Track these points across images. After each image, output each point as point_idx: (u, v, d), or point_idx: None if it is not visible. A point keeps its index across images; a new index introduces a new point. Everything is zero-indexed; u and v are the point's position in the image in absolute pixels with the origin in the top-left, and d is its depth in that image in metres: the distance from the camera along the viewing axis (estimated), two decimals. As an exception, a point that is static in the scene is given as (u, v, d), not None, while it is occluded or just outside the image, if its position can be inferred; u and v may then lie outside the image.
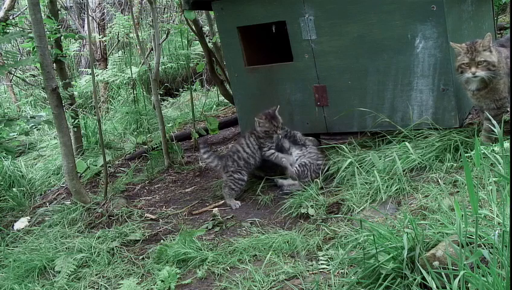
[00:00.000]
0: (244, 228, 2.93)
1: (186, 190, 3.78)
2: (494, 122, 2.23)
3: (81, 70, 7.42)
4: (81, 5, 7.31)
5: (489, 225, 1.90)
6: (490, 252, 1.60)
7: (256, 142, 3.37)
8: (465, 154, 2.49)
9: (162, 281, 2.46)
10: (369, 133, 3.33)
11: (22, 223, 3.66)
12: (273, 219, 2.99)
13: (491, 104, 2.77)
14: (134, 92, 5.66)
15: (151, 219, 3.35)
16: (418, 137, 3.06)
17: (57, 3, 4.61)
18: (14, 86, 7.28)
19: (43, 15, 3.45)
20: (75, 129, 4.63)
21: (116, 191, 3.87)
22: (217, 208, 3.19)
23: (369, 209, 2.62)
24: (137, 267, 2.73)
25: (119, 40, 6.83)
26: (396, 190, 2.67)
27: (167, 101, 6.70)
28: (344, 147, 3.20)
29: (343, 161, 3.10)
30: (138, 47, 5.39)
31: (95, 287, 2.64)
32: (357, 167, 2.94)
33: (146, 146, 4.52)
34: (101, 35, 6.44)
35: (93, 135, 5.03)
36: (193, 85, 6.60)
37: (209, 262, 2.54)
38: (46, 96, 4.15)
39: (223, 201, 3.39)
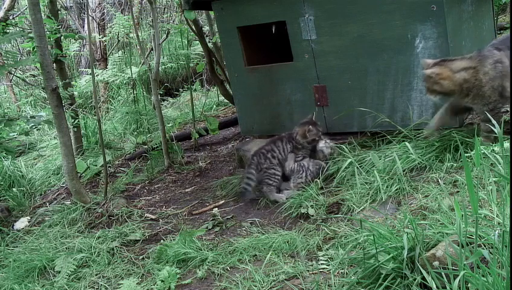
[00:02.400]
0: (244, 228, 2.93)
1: (186, 190, 3.78)
2: (494, 122, 2.24)
3: (81, 70, 7.41)
4: (81, 5, 7.31)
5: (489, 225, 1.90)
6: (490, 252, 1.60)
7: (291, 150, 3.33)
8: (465, 154, 2.49)
9: (162, 281, 2.46)
10: (369, 133, 3.33)
11: (22, 223, 3.67)
12: (273, 219, 2.99)
13: (483, 107, 2.79)
14: (134, 92, 5.66)
15: (151, 219, 3.35)
16: (418, 137, 3.06)
17: (57, 3, 4.61)
18: (14, 86, 7.28)
19: (43, 15, 3.45)
20: (75, 129, 4.63)
21: (116, 191, 3.87)
22: (217, 208, 3.19)
23: (369, 209, 2.62)
24: (137, 267, 2.73)
25: (119, 40, 6.83)
26: (396, 190, 2.67)
27: (167, 101, 6.70)
28: (344, 147, 3.20)
29: (343, 160, 3.10)
30: (138, 47, 5.39)
31: (95, 287, 2.64)
32: (357, 167, 2.94)
33: (146, 146, 4.52)
34: (101, 35, 6.44)
35: (93, 135, 5.03)
36: (193, 85, 6.59)
37: (209, 262, 2.54)
38: (46, 96, 4.15)
39: (223, 201, 3.39)
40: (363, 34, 3.17)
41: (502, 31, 5.09)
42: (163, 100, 6.57)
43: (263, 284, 2.24)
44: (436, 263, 1.74)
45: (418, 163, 2.81)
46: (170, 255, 2.67)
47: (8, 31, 4.21)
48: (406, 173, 2.78)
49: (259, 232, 2.77)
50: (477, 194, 2.14)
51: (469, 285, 1.60)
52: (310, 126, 3.23)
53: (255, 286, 2.24)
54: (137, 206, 3.59)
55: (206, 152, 4.53)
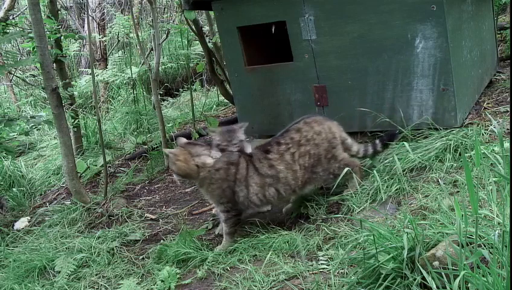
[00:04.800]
0: (244, 228, 2.93)
1: (186, 190, 3.77)
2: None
3: (81, 70, 7.41)
4: (81, 5, 7.31)
5: (489, 225, 1.90)
6: (490, 252, 1.60)
7: None
8: (465, 154, 2.49)
9: (162, 281, 2.46)
10: (369, 133, 3.33)
11: (22, 223, 3.67)
12: (273, 219, 2.99)
13: (218, 206, 2.78)
14: (134, 92, 5.66)
15: (151, 219, 3.35)
16: (418, 137, 3.06)
17: (57, 3, 4.61)
18: (14, 86, 7.28)
19: (43, 15, 3.45)
20: (75, 129, 4.63)
21: (116, 191, 3.87)
22: (217, 208, 3.19)
23: (369, 209, 2.62)
24: (137, 267, 2.73)
25: (119, 40, 6.83)
26: (396, 190, 2.67)
27: (167, 101, 6.70)
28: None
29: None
30: (138, 47, 5.39)
31: (95, 287, 2.64)
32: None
33: (146, 146, 4.52)
34: (101, 35, 6.44)
35: (93, 135, 5.02)
36: (193, 85, 6.59)
37: (209, 262, 2.54)
38: (46, 96, 4.15)
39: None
40: (363, 34, 3.17)
41: (502, 31, 5.10)
42: (163, 100, 6.57)
43: (263, 284, 2.24)
44: (436, 263, 1.74)
45: (418, 163, 2.81)
46: (170, 255, 2.67)
47: (8, 31, 4.21)
48: (406, 173, 2.78)
49: (259, 232, 2.77)
50: (477, 194, 2.14)
51: (469, 285, 1.60)
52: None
53: (255, 286, 2.23)
54: (137, 206, 3.58)
55: (206, 152, 4.52)
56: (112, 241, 3.04)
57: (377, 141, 2.96)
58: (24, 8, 5.36)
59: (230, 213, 2.75)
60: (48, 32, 3.94)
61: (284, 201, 2.93)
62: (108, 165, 4.21)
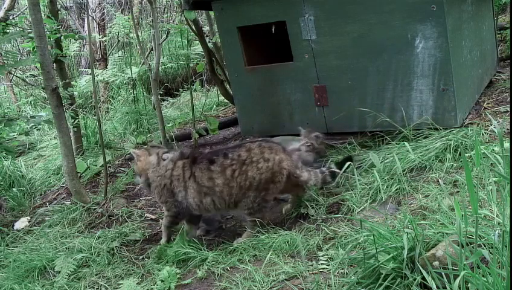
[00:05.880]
0: (244, 228, 2.93)
1: (186, 190, 3.77)
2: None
3: (81, 70, 7.41)
4: (81, 5, 7.31)
5: (489, 225, 1.90)
6: (490, 252, 1.60)
7: None
8: (465, 154, 2.49)
9: (162, 281, 2.46)
10: (369, 133, 3.33)
11: (22, 223, 3.66)
12: (273, 219, 2.99)
13: (163, 206, 2.88)
14: (134, 92, 5.65)
15: (151, 219, 3.35)
16: (418, 137, 3.06)
17: (57, 3, 4.60)
18: (14, 86, 7.28)
19: (43, 15, 3.45)
20: (75, 129, 4.62)
21: (116, 191, 3.87)
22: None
23: (369, 209, 2.62)
24: (137, 267, 2.73)
25: (119, 40, 6.82)
26: (396, 190, 2.67)
27: (167, 101, 6.69)
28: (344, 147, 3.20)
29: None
30: (138, 47, 5.38)
31: (95, 287, 2.64)
32: (356, 167, 2.93)
33: (146, 146, 4.51)
34: (101, 35, 6.44)
35: (93, 135, 5.02)
36: (193, 85, 6.59)
37: (209, 262, 2.54)
38: (46, 96, 4.15)
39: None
40: (363, 34, 3.18)
41: (502, 31, 5.10)
42: (163, 100, 6.57)
43: (263, 284, 2.24)
44: (436, 263, 1.74)
45: (418, 163, 2.81)
46: (170, 255, 2.67)
47: (8, 31, 4.21)
48: (405, 173, 2.78)
49: (259, 232, 2.77)
50: (477, 194, 2.14)
51: (469, 285, 1.60)
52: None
53: (255, 286, 2.23)
54: (137, 206, 3.58)
55: (206, 152, 4.52)
56: (111, 241, 3.04)
57: (326, 171, 2.84)
58: (24, 8, 5.36)
59: (169, 212, 2.83)
60: (48, 32, 3.94)
61: (220, 212, 2.96)
62: (108, 165, 4.21)
